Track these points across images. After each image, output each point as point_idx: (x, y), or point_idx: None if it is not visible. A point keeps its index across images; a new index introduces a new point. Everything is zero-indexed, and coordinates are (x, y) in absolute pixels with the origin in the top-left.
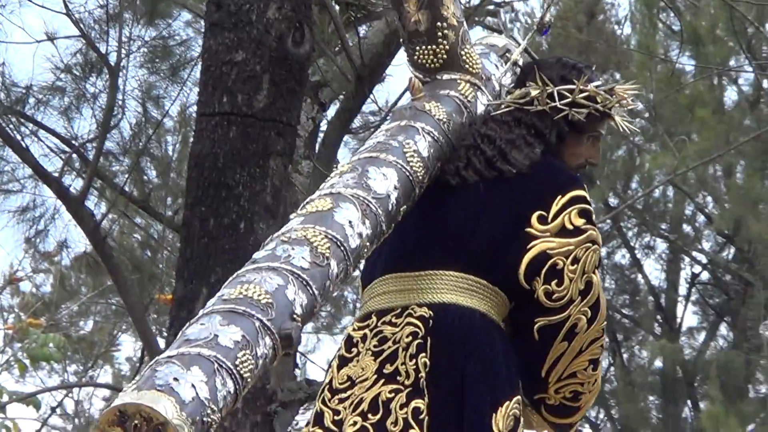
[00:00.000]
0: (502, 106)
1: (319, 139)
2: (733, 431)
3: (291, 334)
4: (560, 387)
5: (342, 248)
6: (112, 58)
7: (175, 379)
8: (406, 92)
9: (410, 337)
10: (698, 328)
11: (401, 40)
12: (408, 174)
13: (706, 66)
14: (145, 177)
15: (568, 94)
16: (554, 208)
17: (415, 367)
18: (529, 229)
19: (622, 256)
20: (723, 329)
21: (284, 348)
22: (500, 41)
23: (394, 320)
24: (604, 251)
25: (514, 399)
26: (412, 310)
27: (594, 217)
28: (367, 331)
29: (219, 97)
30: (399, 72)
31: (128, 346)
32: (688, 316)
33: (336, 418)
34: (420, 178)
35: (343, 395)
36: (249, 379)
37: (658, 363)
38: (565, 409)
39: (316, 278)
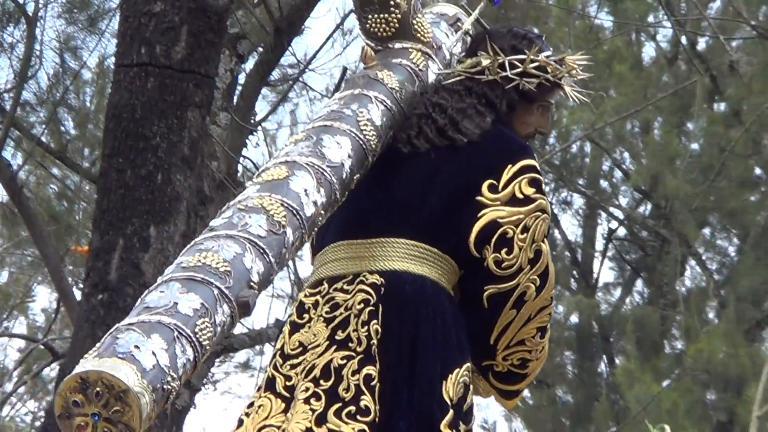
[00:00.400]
0: (454, 75)
1: (237, 91)
2: (648, 387)
3: (248, 302)
4: (508, 354)
5: (297, 216)
6: (30, 8)
7: (136, 347)
8: (325, 44)
9: (362, 304)
10: (614, 283)
11: (354, 8)
12: (361, 142)
13: (624, 22)
14: (63, 128)
15: (518, 64)
16: (505, 177)
17: (366, 334)
18: (479, 198)
19: None
20: (639, 285)
21: (241, 315)
22: (450, 10)
23: (345, 287)
24: None
25: (464, 366)
26: (363, 278)
27: (543, 186)
28: (318, 297)
29: (137, 48)
30: (317, 25)
31: (43, 297)
32: (605, 272)
33: (288, 383)
34: (373, 146)
35: (295, 361)
36: (208, 347)
37: (574, 318)
38: (513, 376)
39: (273, 246)
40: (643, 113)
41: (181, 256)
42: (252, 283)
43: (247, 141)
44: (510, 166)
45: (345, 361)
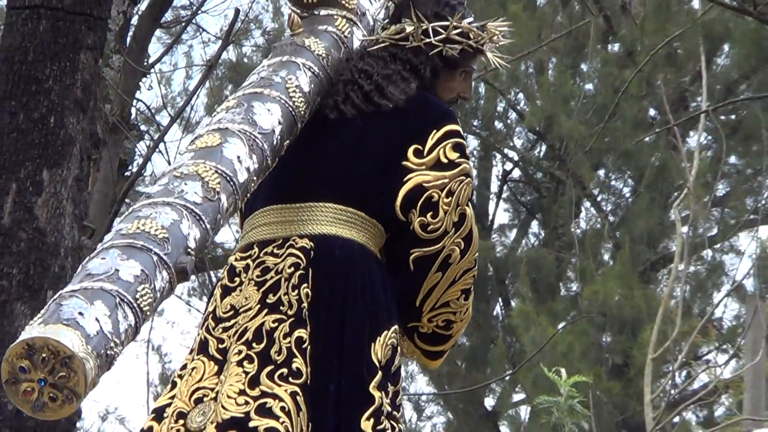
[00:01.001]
0: (378, 42)
1: (129, 34)
2: (544, 329)
3: (186, 268)
4: (433, 316)
5: (231, 183)
6: None
7: (80, 314)
8: None
9: (292, 268)
10: (509, 225)
11: None
12: (291, 109)
13: None
14: None
15: (442, 31)
16: (430, 142)
17: (297, 297)
18: (405, 163)
19: None
20: (534, 227)
21: (179, 281)
22: None
23: (276, 251)
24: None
25: (392, 328)
26: (293, 242)
27: (467, 150)
28: (249, 261)
29: None
30: None
31: None
32: (500, 214)
33: (220, 346)
34: (302, 113)
35: (227, 324)
36: (148, 313)
37: None
38: (438, 338)
39: (208, 212)
40: (537, 54)
41: (120, 223)
42: (189, 250)
43: (140, 84)
44: (435, 131)
45: (276, 324)
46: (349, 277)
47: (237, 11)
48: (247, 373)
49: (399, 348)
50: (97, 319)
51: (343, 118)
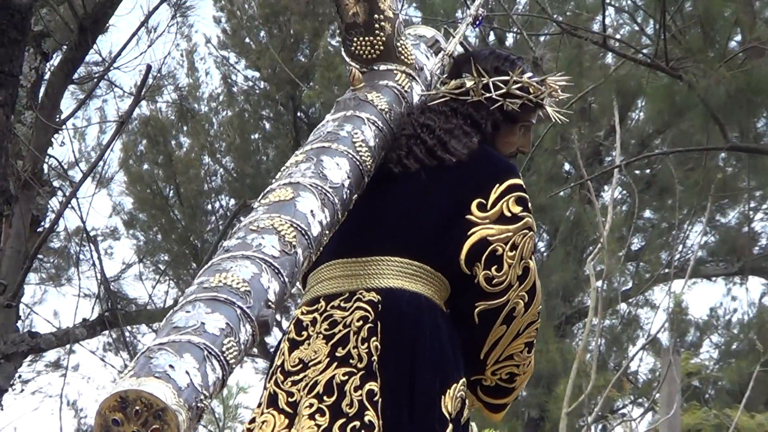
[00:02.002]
0: (439, 96)
1: (42, 89)
2: None
3: (268, 321)
4: (497, 369)
5: (306, 236)
6: None
7: (171, 367)
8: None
9: (361, 322)
10: None
11: (339, 31)
12: (358, 163)
13: (432, 18)
14: None
15: (502, 85)
16: (493, 196)
17: (367, 350)
18: (469, 216)
19: None
20: None
21: (261, 334)
22: (428, 32)
23: (343, 304)
24: None
25: (461, 381)
26: (360, 295)
27: (529, 204)
28: (316, 315)
29: None
30: (122, 23)
31: None
32: None
33: (290, 399)
34: (368, 167)
35: (296, 377)
36: (234, 365)
37: None
38: (501, 390)
39: (286, 266)
40: None
41: (201, 276)
42: (270, 303)
43: (53, 139)
44: (498, 185)
45: (347, 377)
46: (418, 330)
47: (149, 67)
48: (319, 426)
49: (467, 401)
50: (187, 372)
51: (406, 172)
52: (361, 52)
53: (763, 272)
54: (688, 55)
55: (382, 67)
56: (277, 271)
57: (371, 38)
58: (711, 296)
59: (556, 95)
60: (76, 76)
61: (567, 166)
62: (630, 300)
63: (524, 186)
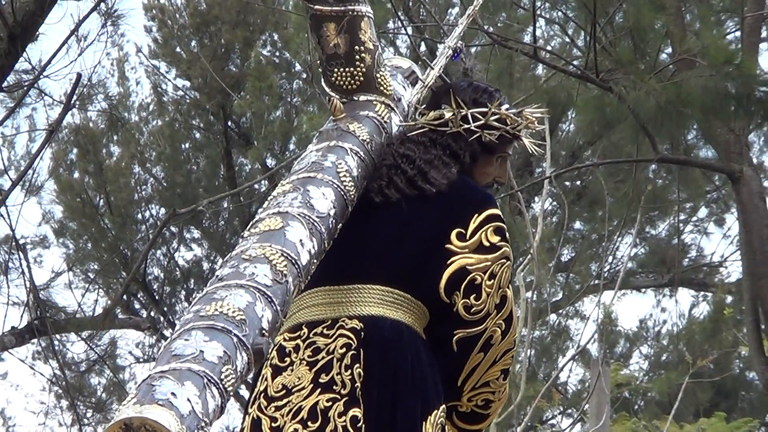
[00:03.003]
0: (417, 127)
1: None
2: None
3: (262, 349)
4: (473, 395)
5: (296, 265)
6: None
7: (173, 394)
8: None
9: (344, 349)
10: None
11: (319, 62)
12: (342, 193)
13: None
14: None
15: (480, 117)
16: (472, 226)
17: (350, 377)
18: (449, 246)
19: None
20: None
21: (256, 362)
22: (405, 63)
23: (326, 331)
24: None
25: (441, 407)
26: (343, 322)
27: (507, 234)
28: (299, 341)
29: None
30: (52, 31)
31: None
32: None
33: (274, 425)
34: (352, 196)
35: (280, 403)
36: (231, 393)
37: None
38: (476, 416)
39: (278, 294)
40: None
41: (196, 304)
42: (264, 331)
43: None
44: (476, 215)
45: (330, 403)
46: (399, 358)
47: (79, 76)
48: None
49: (445, 426)
50: (188, 400)
51: (387, 202)
52: (342, 83)
53: (692, 284)
54: (618, 67)
55: (362, 98)
56: (270, 299)
57: (351, 69)
58: (640, 307)
59: (532, 127)
60: (5, 84)
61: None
62: (560, 311)
63: (502, 216)
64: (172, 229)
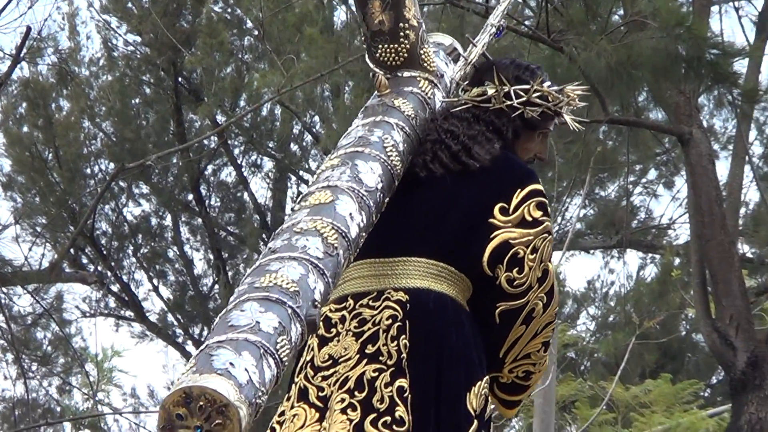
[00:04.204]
0: (461, 103)
1: None
2: None
3: (315, 321)
4: (514, 367)
5: (346, 238)
6: None
7: (231, 364)
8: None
9: (390, 320)
10: None
11: (364, 38)
12: (389, 167)
13: None
14: None
15: (523, 94)
16: (515, 201)
17: (396, 348)
18: (492, 220)
19: (228, 174)
20: None
21: (309, 333)
22: (447, 40)
23: (371, 303)
24: (210, 169)
25: (485, 379)
26: (389, 294)
27: (549, 208)
28: (345, 312)
29: None
30: None
31: None
32: None
33: (320, 394)
34: (398, 171)
35: (326, 373)
36: (286, 363)
37: None
38: (516, 387)
39: (329, 267)
40: (334, 77)
41: (250, 276)
42: (316, 302)
43: None
44: (519, 190)
45: (377, 373)
46: (444, 329)
47: (29, 29)
48: (351, 421)
49: (489, 398)
50: (246, 370)
51: (432, 176)
52: (386, 59)
53: (640, 245)
54: (569, 28)
55: (406, 74)
56: (321, 272)
57: (396, 46)
58: (589, 269)
59: (574, 104)
60: None
61: None
62: None
63: (544, 191)
64: (121, 184)
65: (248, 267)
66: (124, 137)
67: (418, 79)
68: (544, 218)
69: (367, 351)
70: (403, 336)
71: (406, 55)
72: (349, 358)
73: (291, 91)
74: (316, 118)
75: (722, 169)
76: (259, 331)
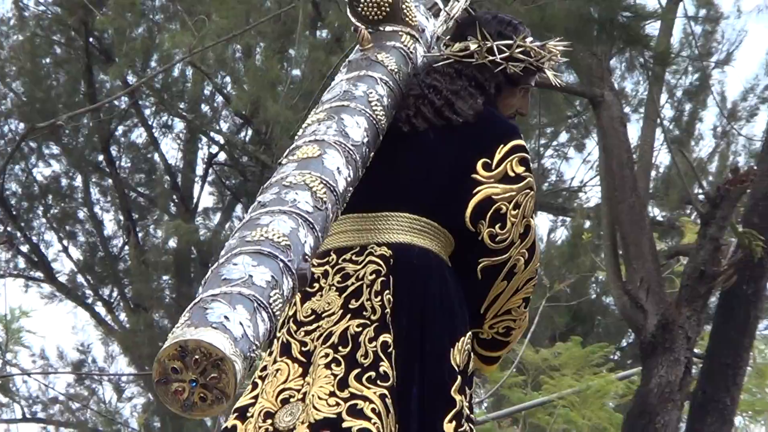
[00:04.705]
0: (443, 58)
1: None
2: None
3: (306, 274)
4: (495, 323)
5: (334, 192)
6: None
7: (226, 318)
8: None
9: (374, 275)
10: (214, 208)
11: None
12: (374, 121)
13: None
14: None
15: (506, 49)
16: (497, 156)
17: (380, 303)
18: (474, 175)
19: (139, 135)
20: (239, 210)
21: (300, 287)
22: None
23: (354, 258)
24: (121, 130)
25: (468, 334)
26: (372, 249)
27: (531, 164)
28: (328, 267)
29: None
30: None
31: None
32: (204, 197)
33: (303, 349)
34: (383, 125)
35: (309, 328)
36: (279, 317)
37: (172, 243)
38: (496, 344)
39: (318, 221)
40: (245, 38)
41: (242, 230)
42: (306, 256)
43: None
44: (502, 146)
45: (361, 328)
46: (428, 285)
47: None
48: (335, 376)
49: (471, 354)
50: (240, 323)
51: (415, 131)
52: (368, 13)
53: (551, 208)
54: None
55: (388, 29)
56: (311, 225)
57: (378, 0)
58: None
59: (555, 60)
60: None
61: None
62: None
63: (526, 147)
64: (31, 144)
65: (158, 228)
66: (34, 97)
67: (400, 33)
68: (527, 174)
69: (350, 306)
70: (387, 291)
71: (388, 9)
72: (333, 313)
73: (202, 51)
74: (228, 79)
75: (633, 132)
76: (252, 285)
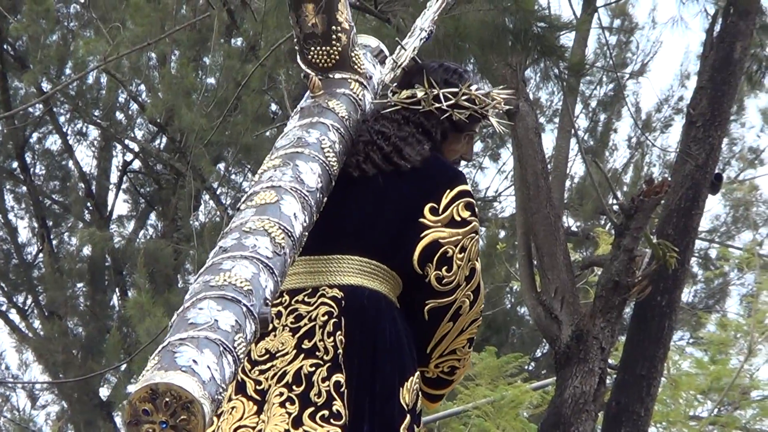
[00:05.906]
0: (391, 105)
1: None
2: (159, 320)
3: (267, 318)
4: (440, 362)
5: (291, 237)
6: None
7: (194, 362)
8: None
9: (326, 316)
10: (128, 216)
11: (296, 40)
12: (327, 167)
13: None
14: None
15: (451, 97)
16: (444, 201)
17: (333, 343)
18: (422, 220)
19: (53, 142)
20: (153, 218)
21: (261, 330)
22: (373, 42)
23: (307, 299)
24: (35, 137)
25: (416, 374)
26: (324, 291)
27: (476, 209)
28: (281, 308)
29: None
30: None
31: None
32: (119, 204)
33: (258, 387)
34: (335, 171)
35: (264, 367)
36: (242, 360)
37: (86, 250)
38: (441, 382)
39: (278, 266)
40: (160, 46)
41: (205, 275)
42: (267, 301)
43: None
44: (449, 191)
45: (314, 368)
46: (378, 325)
47: None
48: (290, 414)
49: (419, 393)
50: (208, 367)
51: (365, 176)
52: (318, 60)
53: None
54: None
55: (338, 76)
56: (271, 270)
57: (328, 48)
58: None
59: (499, 107)
60: None
61: (274, 107)
62: None
63: (472, 192)
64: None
65: (72, 236)
66: None
67: (349, 81)
68: (472, 218)
69: (303, 346)
70: (339, 332)
71: (337, 57)
72: (287, 353)
73: (117, 59)
74: (142, 87)
75: (548, 142)
76: (218, 329)
